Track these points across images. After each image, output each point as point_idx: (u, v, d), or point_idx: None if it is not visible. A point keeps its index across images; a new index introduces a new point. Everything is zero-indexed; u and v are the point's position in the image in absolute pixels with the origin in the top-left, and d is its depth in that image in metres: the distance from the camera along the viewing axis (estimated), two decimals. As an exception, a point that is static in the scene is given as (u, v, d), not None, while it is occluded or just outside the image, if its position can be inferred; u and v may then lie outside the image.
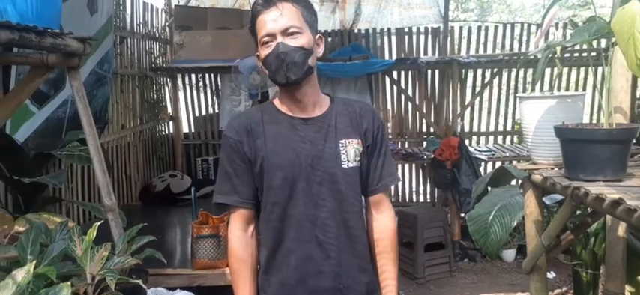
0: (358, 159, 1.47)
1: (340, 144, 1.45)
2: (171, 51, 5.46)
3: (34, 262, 1.33)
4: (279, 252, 1.46)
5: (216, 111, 5.57)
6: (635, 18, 1.29)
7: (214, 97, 5.65)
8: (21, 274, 1.24)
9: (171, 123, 5.54)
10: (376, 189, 1.52)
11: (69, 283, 1.31)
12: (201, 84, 5.67)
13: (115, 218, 2.21)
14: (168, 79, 5.46)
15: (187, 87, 5.70)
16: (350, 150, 1.45)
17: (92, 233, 1.68)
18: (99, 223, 1.77)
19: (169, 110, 5.49)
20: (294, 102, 1.47)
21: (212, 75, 5.57)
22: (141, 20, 4.95)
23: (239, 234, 1.48)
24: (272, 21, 1.39)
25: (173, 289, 2.61)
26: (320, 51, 1.48)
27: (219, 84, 5.51)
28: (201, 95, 5.70)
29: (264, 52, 1.42)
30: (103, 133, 3.99)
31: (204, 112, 5.71)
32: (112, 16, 4.06)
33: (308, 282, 1.44)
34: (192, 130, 5.70)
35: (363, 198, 1.53)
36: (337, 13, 5.78)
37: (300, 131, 1.45)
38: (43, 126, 3.12)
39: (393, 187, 5.61)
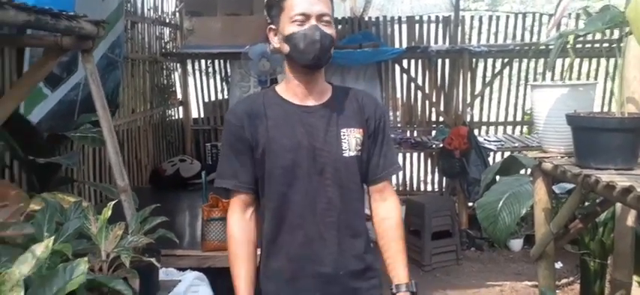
0: (359, 148, 1.48)
1: (342, 133, 1.46)
2: (181, 36, 5.48)
3: (53, 237, 1.36)
4: (278, 238, 1.48)
5: (226, 97, 5.59)
6: (651, 5, 1.29)
7: (224, 83, 5.67)
8: (40, 249, 1.27)
9: (180, 108, 5.57)
10: (380, 177, 1.53)
11: (85, 258, 1.34)
12: (210, 70, 5.69)
13: (128, 199, 2.23)
14: (178, 65, 5.47)
15: (197, 73, 5.72)
16: (351, 139, 1.47)
17: (107, 212, 1.71)
18: (113, 202, 1.80)
19: (179, 95, 5.52)
20: (306, 87, 1.48)
21: (222, 61, 5.59)
22: (151, 5, 4.97)
23: (238, 218, 1.50)
24: (309, 3, 1.41)
25: (183, 270, 2.64)
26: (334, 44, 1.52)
27: (229, 70, 5.52)
28: (211, 81, 5.72)
29: (293, 28, 1.42)
30: (114, 117, 4.02)
31: (213, 98, 5.74)
32: (123, 1, 4.07)
33: (307, 268, 1.46)
34: (202, 116, 5.73)
35: (363, 187, 1.54)
36: (347, 1, 5.76)
37: (303, 118, 1.46)
38: (56, 108, 3.15)
39: (400, 176, 5.63)
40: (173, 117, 5.52)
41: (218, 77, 5.70)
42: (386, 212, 1.53)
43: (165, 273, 2.38)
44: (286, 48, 1.44)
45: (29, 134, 2.56)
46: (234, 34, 4.95)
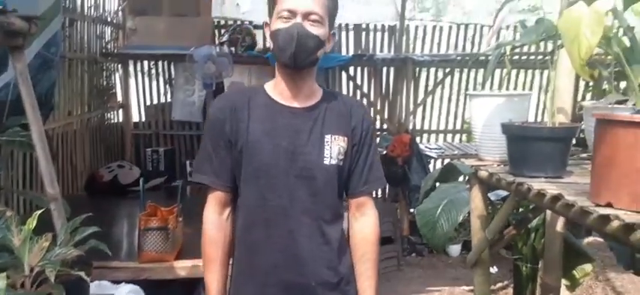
0: (341, 157, 1.43)
1: (325, 139, 1.42)
2: (124, 36, 5.28)
3: (-34, 251, 1.26)
4: (251, 242, 1.42)
5: (169, 100, 5.44)
6: (581, 19, 1.34)
7: (167, 86, 5.51)
8: (-49, 263, 1.17)
9: (120, 111, 5.36)
10: (361, 191, 1.50)
11: (4, 274, 1.25)
12: (153, 72, 5.51)
13: (58, 208, 2.12)
14: (120, 66, 5.27)
15: (139, 75, 5.53)
16: (334, 147, 1.42)
17: (31, 223, 1.61)
18: (39, 212, 1.69)
19: (119, 98, 5.31)
20: (291, 87, 1.42)
21: (165, 63, 5.43)
22: (92, 2, 4.75)
23: (214, 217, 1.45)
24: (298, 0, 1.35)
25: (118, 282, 2.52)
26: (329, 47, 1.44)
27: (173, 73, 5.38)
28: (154, 83, 5.54)
29: (277, 25, 1.36)
30: (48, 119, 3.80)
31: (156, 101, 5.56)
32: (60, -3, 3.88)
33: (279, 275, 1.41)
34: (143, 120, 5.54)
35: (342, 197, 1.50)
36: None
37: (287, 120, 1.41)
38: (-19, 109, 2.95)
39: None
40: (112, 121, 5.30)
41: (161, 79, 5.53)
42: (364, 227, 1.52)
43: (97, 287, 2.27)
44: (272, 44, 1.40)
45: (-52, 137, 2.37)
46: (179, 35, 4.82)
